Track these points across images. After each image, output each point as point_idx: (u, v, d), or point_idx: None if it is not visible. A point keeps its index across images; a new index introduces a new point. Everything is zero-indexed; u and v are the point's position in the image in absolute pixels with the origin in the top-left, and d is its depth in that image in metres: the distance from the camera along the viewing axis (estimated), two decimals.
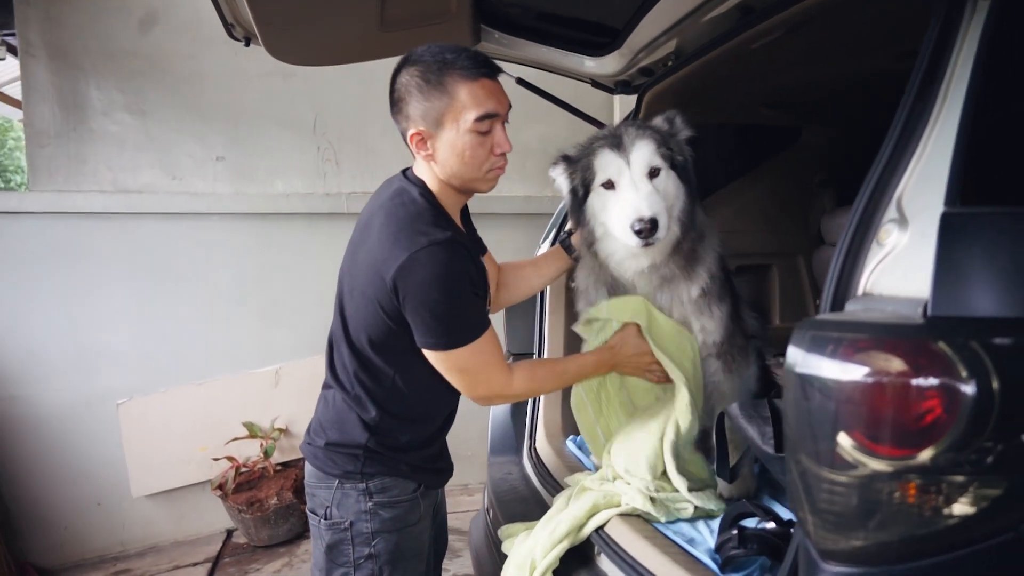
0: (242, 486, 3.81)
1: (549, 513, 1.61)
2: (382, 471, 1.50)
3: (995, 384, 0.71)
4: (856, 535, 0.76)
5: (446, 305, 1.37)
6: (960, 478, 0.72)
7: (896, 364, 0.74)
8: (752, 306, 1.88)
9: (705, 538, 1.39)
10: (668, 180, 1.56)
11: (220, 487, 3.77)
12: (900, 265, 0.83)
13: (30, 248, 3.78)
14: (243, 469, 3.84)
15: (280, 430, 4.03)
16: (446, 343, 1.39)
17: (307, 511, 1.58)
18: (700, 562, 1.27)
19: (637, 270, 1.62)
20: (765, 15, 1.51)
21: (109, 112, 3.97)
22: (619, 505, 1.50)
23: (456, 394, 1.58)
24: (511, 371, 1.49)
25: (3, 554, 3.58)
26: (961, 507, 0.73)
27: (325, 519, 1.51)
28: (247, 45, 2.01)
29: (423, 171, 1.52)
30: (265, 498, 3.74)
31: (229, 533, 4.02)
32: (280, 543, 3.78)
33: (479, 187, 1.53)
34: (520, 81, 2.17)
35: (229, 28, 1.90)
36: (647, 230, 1.44)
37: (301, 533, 3.87)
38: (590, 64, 2.16)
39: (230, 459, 3.85)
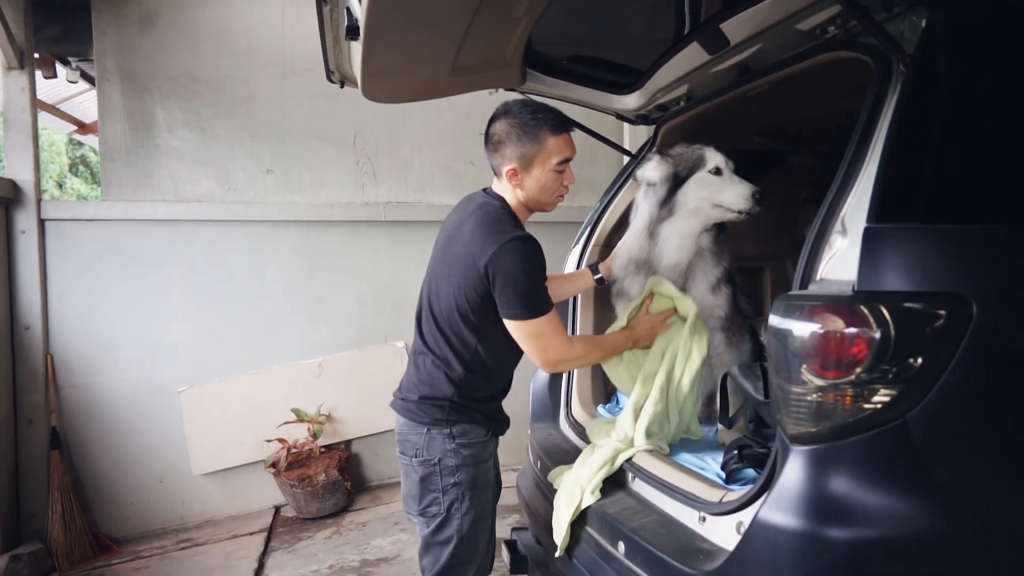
0: (292, 464, 4.26)
1: (582, 456, 2.07)
2: (462, 419, 1.95)
3: (892, 331, 1.17)
4: (811, 424, 1.22)
5: (526, 284, 1.83)
6: (872, 387, 1.19)
7: (834, 320, 1.21)
8: (745, 293, 2.34)
9: (711, 466, 1.86)
10: None
11: (274, 465, 4.22)
12: (842, 260, 1.29)
13: (104, 252, 4.24)
14: (293, 450, 4.29)
15: (325, 416, 4.48)
16: (525, 314, 1.85)
17: (398, 454, 2.03)
18: (710, 479, 1.73)
19: (686, 253, 2.10)
20: (759, 74, 1.99)
21: (172, 130, 4.45)
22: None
23: (516, 360, 2.05)
24: (572, 341, 1.96)
25: (82, 523, 4.03)
26: (872, 405, 1.19)
27: (416, 458, 1.96)
28: (342, 87, 2.47)
29: (504, 191, 2.00)
30: (314, 475, 4.19)
31: (277, 508, 4.46)
32: (327, 515, 4.23)
33: (548, 208, 2.03)
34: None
35: (329, 74, 2.37)
36: (760, 196, 2.02)
37: (345, 507, 4.32)
38: (615, 100, 2.64)
39: (281, 441, 4.30)
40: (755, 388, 1.74)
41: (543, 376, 2.70)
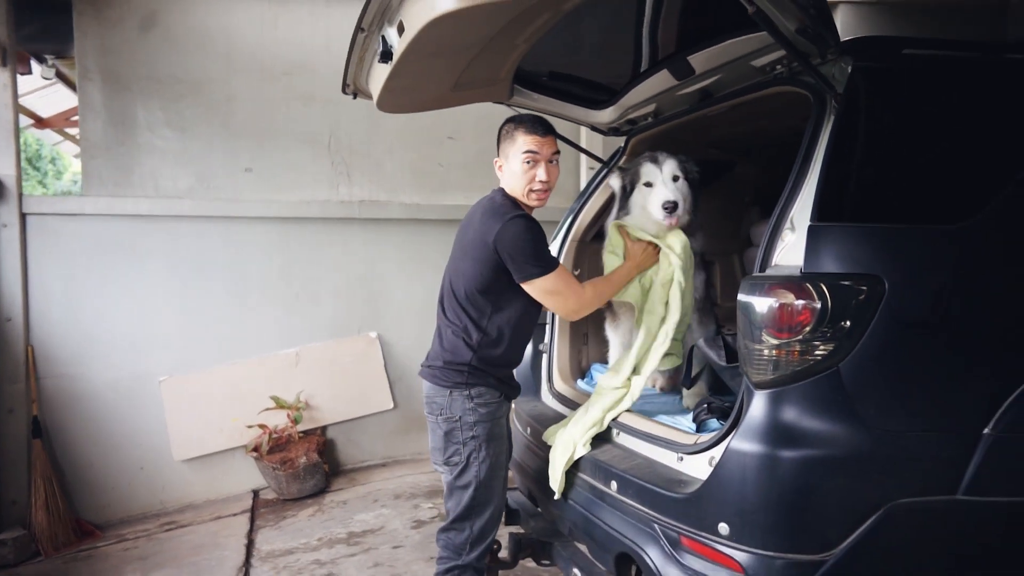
0: (273, 449, 4.49)
1: (576, 416, 2.45)
2: (480, 382, 2.29)
3: (829, 303, 1.59)
4: (769, 373, 1.62)
5: (533, 248, 2.18)
6: (814, 344, 1.59)
7: (787, 294, 1.61)
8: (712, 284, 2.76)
9: (682, 423, 2.25)
10: (684, 185, 2.46)
11: (255, 449, 4.45)
12: (791, 250, 1.70)
13: (85, 245, 4.38)
14: (274, 435, 4.52)
15: (304, 402, 4.72)
16: (538, 272, 2.18)
17: (426, 414, 2.36)
18: (683, 430, 2.13)
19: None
20: (718, 100, 2.40)
21: (153, 128, 4.61)
22: (620, 402, 2.35)
23: (526, 333, 2.40)
24: (584, 287, 2.33)
25: (64, 510, 4.16)
26: (812, 358, 1.60)
27: (440, 416, 2.30)
28: (355, 98, 2.76)
29: (504, 185, 2.38)
30: (295, 458, 4.44)
31: (256, 492, 4.67)
32: (307, 496, 4.48)
33: (525, 201, 2.35)
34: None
35: (344, 86, 2.66)
36: (671, 208, 2.34)
37: (324, 488, 4.58)
38: (591, 114, 3.02)
39: (262, 427, 4.53)
40: (718, 356, 2.15)
41: (526, 357, 3.05)
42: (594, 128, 3.12)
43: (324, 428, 4.91)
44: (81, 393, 4.38)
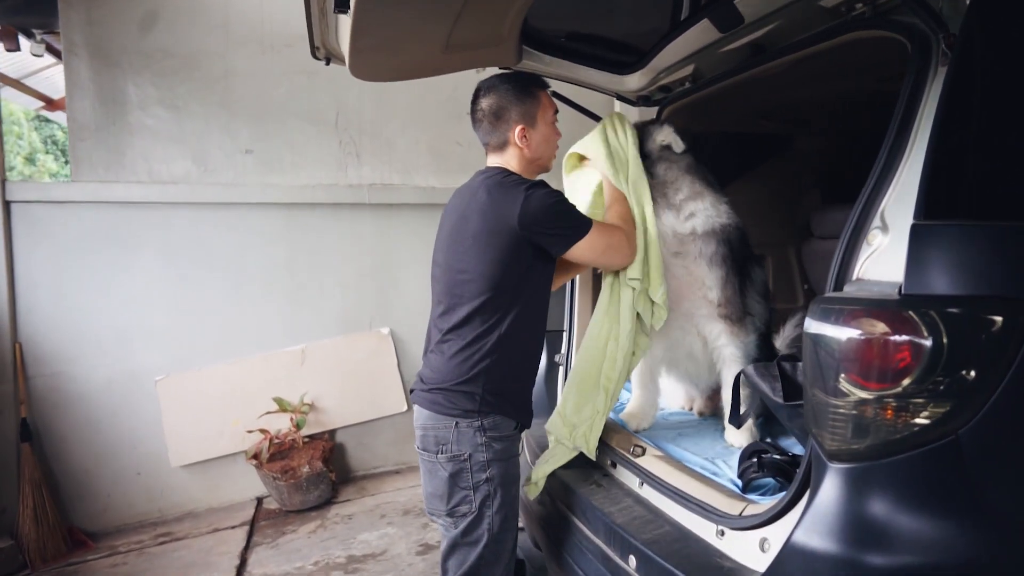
0: (275, 456, 4.12)
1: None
2: (494, 410, 1.83)
3: (944, 339, 1.07)
4: (851, 441, 1.12)
5: (565, 212, 1.89)
6: (920, 401, 1.09)
7: (880, 326, 1.10)
8: (763, 294, 2.21)
9: (724, 472, 1.76)
10: None
11: (255, 456, 4.08)
12: (883, 259, 1.19)
13: (74, 235, 4.04)
14: (275, 440, 4.15)
15: (308, 405, 4.34)
16: (582, 232, 1.87)
17: (418, 450, 1.92)
18: (725, 487, 1.63)
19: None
20: (775, 54, 1.87)
21: (145, 107, 4.23)
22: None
23: (542, 339, 1.99)
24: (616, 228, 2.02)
25: (55, 518, 3.88)
26: (920, 420, 1.09)
27: (442, 454, 1.84)
28: (327, 64, 2.31)
29: (506, 160, 2.00)
30: (297, 466, 4.06)
31: (259, 500, 4.33)
32: (311, 508, 4.11)
33: (549, 164, 2.08)
34: (554, 93, 2.50)
35: (314, 50, 2.20)
36: None
37: (330, 499, 4.20)
38: (616, 81, 2.50)
39: (263, 431, 4.16)
40: (772, 389, 1.64)
41: (540, 371, 2.58)
42: (620, 97, 2.60)
43: (332, 432, 4.54)
44: (72, 393, 4.07)
